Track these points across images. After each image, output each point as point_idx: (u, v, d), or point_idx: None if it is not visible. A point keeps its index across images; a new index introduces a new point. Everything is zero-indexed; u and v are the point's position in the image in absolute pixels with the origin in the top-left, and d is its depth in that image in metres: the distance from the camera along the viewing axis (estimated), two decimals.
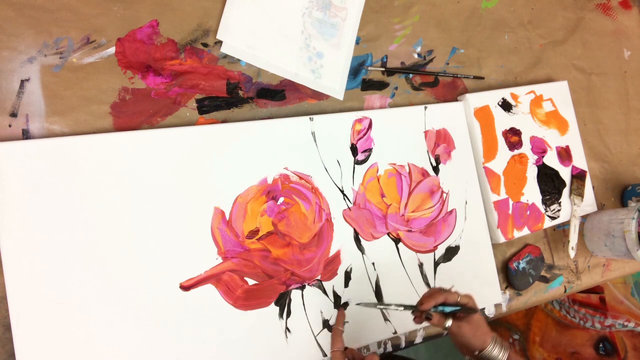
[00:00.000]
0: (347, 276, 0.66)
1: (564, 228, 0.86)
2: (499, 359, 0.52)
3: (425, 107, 0.75)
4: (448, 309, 0.52)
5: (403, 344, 0.70)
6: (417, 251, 0.70)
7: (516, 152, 0.80)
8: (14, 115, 0.54)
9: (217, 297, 0.58)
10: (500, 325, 1.46)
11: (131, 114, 0.59)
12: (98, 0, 0.59)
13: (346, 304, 0.64)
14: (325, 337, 0.63)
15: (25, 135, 0.55)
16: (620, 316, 1.28)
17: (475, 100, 0.78)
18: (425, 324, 0.59)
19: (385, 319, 0.67)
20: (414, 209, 0.71)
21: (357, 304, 0.56)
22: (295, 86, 0.69)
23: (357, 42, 0.74)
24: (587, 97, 0.93)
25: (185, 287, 0.57)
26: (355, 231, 0.67)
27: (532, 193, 0.80)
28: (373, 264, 0.67)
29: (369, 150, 0.70)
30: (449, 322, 0.53)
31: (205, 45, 0.64)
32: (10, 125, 0.54)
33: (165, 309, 0.56)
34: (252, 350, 0.59)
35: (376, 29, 0.76)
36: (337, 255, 0.65)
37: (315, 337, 0.62)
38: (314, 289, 0.63)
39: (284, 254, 0.62)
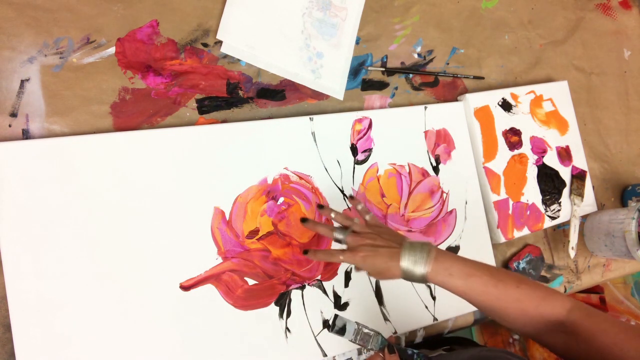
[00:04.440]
0: (347, 276, 0.66)
1: (564, 228, 0.86)
2: (420, 273, 0.48)
3: (425, 107, 0.75)
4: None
5: (403, 344, 0.70)
6: None
7: (516, 152, 0.80)
8: (14, 115, 0.54)
9: (217, 297, 0.58)
10: (500, 325, 1.46)
11: (131, 114, 0.59)
12: (98, 0, 0.59)
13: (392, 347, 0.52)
14: (325, 337, 0.63)
15: (25, 135, 0.55)
16: (620, 316, 1.28)
17: (475, 100, 0.78)
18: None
19: (386, 318, 0.67)
20: (414, 209, 0.71)
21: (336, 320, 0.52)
22: (295, 86, 0.69)
23: (357, 42, 0.74)
24: (587, 97, 0.93)
25: (185, 287, 0.57)
26: None
27: (532, 193, 0.80)
28: None
29: (369, 150, 0.70)
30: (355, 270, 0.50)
31: (205, 45, 0.64)
32: (10, 125, 0.54)
33: (165, 309, 0.56)
34: (252, 350, 0.59)
35: (376, 29, 0.76)
36: None
37: (315, 337, 0.62)
38: (314, 289, 0.63)
39: (284, 254, 0.62)
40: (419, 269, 0.48)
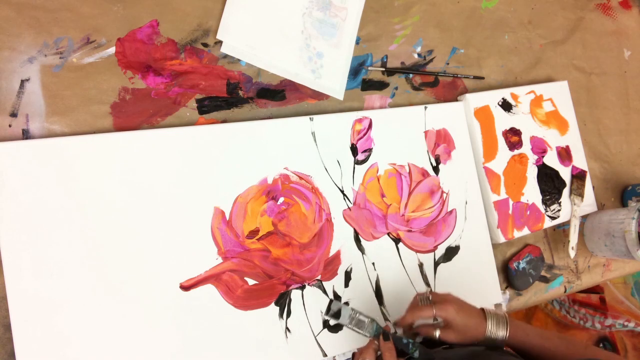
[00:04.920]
0: (347, 276, 0.66)
1: (564, 228, 0.86)
2: (502, 335, 0.52)
3: (425, 107, 0.75)
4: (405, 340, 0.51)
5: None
6: (417, 251, 0.70)
7: (516, 152, 0.80)
8: (14, 115, 0.54)
9: (217, 297, 0.58)
10: None
11: (131, 114, 0.59)
12: (98, 0, 0.59)
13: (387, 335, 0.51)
14: (325, 337, 0.63)
15: (25, 135, 0.55)
16: (620, 316, 1.28)
17: (475, 100, 0.78)
18: None
19: (386, 318, 0.67)
20: (414, 209, 0.71)
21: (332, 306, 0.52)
22: (295, 86, 0.69)
23: (357, 42, 0.74)
24: (587, 97, 0.93)
25: (186, 287, 0.57)
26: (355, 231, 0.67)
27: (532, 193, 0.80)
28: (373, 264, 0.67)
29: (369, 150, 0.70)
30: (437, 333, 0.53)
31: (205, 45, 0.64)
32: (10, 125, 0.54)
33: (165, 309, 0.56)
34: (252, 350, 0.59)
35: (376, 29, 0.76)
36: (337, 255, 0.65)
37: (315, 337, 0.62)
38: (314, 289, 0.63)
39: (284, 254, 0.62)
40: (501, 331, 0.53)
